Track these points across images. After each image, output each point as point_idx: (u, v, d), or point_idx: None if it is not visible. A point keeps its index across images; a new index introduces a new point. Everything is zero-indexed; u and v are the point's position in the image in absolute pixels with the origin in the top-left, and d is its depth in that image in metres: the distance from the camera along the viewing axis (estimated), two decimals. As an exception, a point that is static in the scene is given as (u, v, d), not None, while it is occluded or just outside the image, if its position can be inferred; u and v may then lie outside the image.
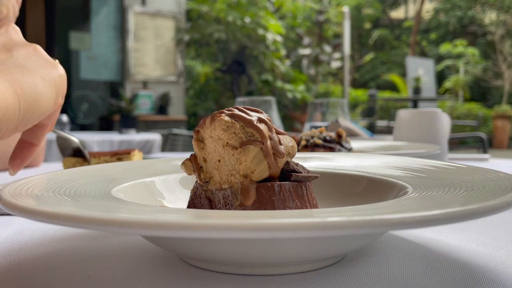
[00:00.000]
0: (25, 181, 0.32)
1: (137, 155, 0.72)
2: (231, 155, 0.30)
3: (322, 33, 7.20)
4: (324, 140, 0.68)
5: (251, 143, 0.29)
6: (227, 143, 0.30)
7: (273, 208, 0.29)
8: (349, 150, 0.67)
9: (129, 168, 0.44)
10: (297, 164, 0.32)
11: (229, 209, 0.30)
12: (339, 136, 0.69)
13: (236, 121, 0.30)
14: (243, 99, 1.08)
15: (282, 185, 0.29)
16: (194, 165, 0.32)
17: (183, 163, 0.33)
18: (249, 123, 0.30)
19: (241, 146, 0.29)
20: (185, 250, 0.26)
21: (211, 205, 0.31)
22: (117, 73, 5.67)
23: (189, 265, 0.28)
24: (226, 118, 0.30)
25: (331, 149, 0.66)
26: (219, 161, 0.31)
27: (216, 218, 0.21)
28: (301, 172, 0.31)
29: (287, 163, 0.31)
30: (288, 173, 0.30)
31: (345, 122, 1.19)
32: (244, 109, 0.31)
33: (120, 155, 0.71)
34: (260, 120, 0.31)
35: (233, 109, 0.31)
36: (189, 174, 0.33)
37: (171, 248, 0.27)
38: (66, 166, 0.69)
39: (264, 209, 0.28)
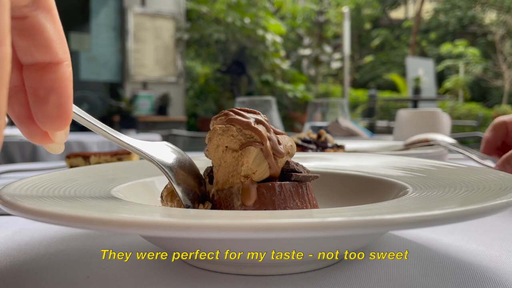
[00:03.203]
0: (25, 181, 0.32)
1: (136, 156, 0.72)
2: (232, 158, 0.30)
3: (322, 33, 7.20)
4: (304, 140, 0.71)
5: (251, 144, 0.29)
6: (226, 147, 0.30)
7: (274, 208, 0.29)
8: (323, 148, 0.69)
9: (129, 168, 0.44)
10: (297, 164, 0.32)
11: (230, 209, 0.30)
12: (319, 136, 0.72)
13: (233, 124, 0.30)
14: (243, 99, 1.08)
15: (282, 185, 0.29)
16: (169, 197, 0.32)
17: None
18: (247, 125, 0.30)
19: (241, 148, 0.29)
20: (184, 250, 0.26)
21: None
22: (117, 74, 5.67)
23: (189, 265, 0.28)
24: (219, 125, 0.30)
25: (304, 148, 0.69)
26: (219, 165, 0.31)
27: (216, 218, 0.21)
28: (301, 172, 0.31)
29: (287, 162, 0.31)
30: (289, 172, 0.30)
31: (345, 122, 1.20)
32: (241, 112, 0.31)
33: (120, 155, 0.71)
34: (258, 121, 0.31)
35: (229, 112, 0.31)
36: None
37: (171, 248, 0.27)
38: (69, 165, 0.70)
39: (264, 209, 0.28)
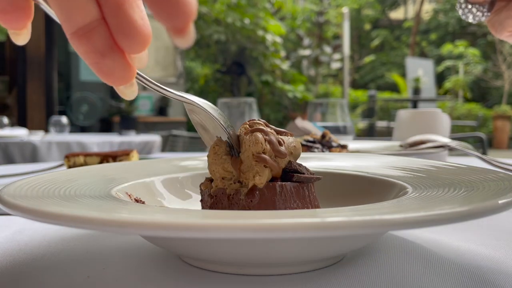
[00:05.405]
0: (25, 181, 0.32)
1: (135, 156, 0.72)
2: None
3: (322, 34, 7.20)
4: (308, 140, 0.73)
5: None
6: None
7: (274, 208, 0.29)
8: (329, 148, 0.70)
9: (129, 168, 0.44)
10: (300, 165, 0.31)
11: (234, 204, 0.30)
12: (323, 136, 0.74)
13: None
14: (225, 100, 1.08)
15: (283, 186, 0.29)
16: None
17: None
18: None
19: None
20: (185, 250, 0.26)
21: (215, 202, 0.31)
22: (117, 74, 5.66)
23: (189, 265, 0.28)
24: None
25: (309, 148, 0.70)
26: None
27: (217, 218, 0.21)
28: (303, 173, 0.31)
29: (290, 163, 0.31)
30: (290, 173, 0.30)
31: (303, 122, 1.19)
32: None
33: (120, 156, 0.71)
34: (253, 130, 0.31)
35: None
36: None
37: (171, 248, 0.27)
38: (69, 165, 0.70)
39: (265, 209, 0.28)
